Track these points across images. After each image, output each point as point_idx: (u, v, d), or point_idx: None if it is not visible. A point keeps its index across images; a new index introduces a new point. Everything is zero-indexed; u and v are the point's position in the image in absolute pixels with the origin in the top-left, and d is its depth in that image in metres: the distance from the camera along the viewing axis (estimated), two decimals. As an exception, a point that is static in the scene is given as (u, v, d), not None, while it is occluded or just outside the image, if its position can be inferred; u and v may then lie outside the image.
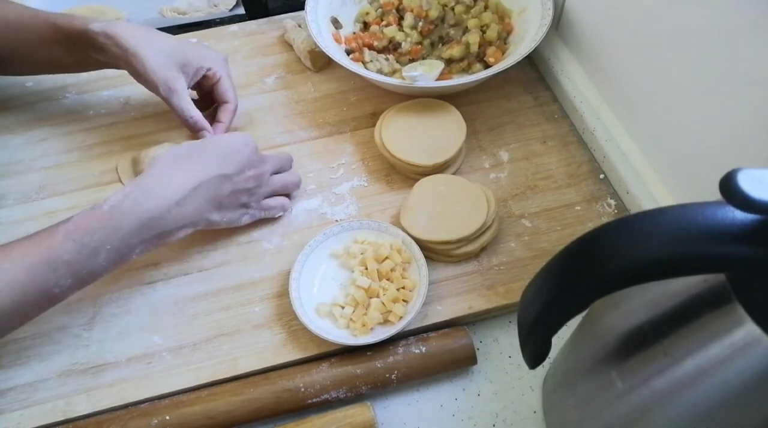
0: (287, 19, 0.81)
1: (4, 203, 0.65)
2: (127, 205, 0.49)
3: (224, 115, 0.66)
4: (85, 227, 0.48)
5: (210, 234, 0.61)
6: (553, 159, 0.66)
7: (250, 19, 0.86)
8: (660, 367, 0.31)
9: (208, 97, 0.69)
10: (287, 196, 0.63)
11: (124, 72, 0.77)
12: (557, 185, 0.63)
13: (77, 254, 0.47)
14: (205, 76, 0.65)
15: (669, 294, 0.31)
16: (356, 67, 0.66)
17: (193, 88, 0.67)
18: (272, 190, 0.60)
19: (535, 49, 0.65)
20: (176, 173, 0.52)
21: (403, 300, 0.54)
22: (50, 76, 0.77)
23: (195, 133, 0.64)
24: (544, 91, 0.72)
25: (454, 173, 0.64)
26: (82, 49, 0.63)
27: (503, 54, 0.70)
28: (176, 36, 0.81)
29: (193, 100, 0.64)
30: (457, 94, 0.69)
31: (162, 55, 0.61)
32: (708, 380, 0.29)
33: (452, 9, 0.73)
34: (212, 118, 0.67)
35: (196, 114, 0.63)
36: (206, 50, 0.66)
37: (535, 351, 0.36)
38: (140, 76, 0.61)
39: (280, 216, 0.62)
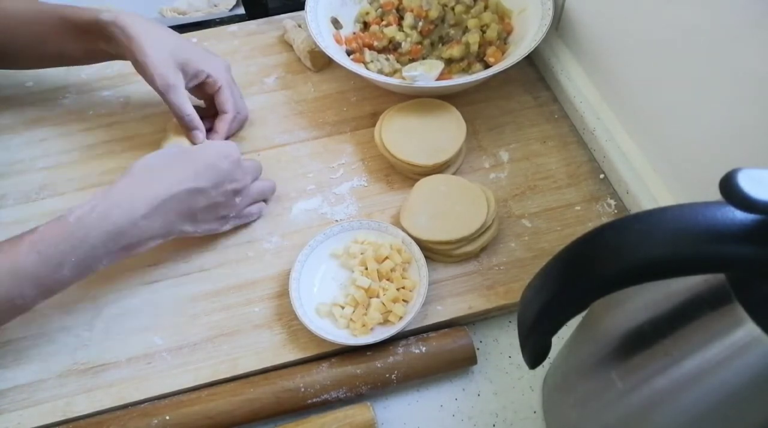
0: (287, 19, 0.81)
1: (4, 203, 0.65)
2: (93, 218, 0.49)
3: (220, 124, 0.65)
4: (49, 238, 0.48)
5: (209, 234, 0.61)
6: (553, 159, 0.66)
7: (249, 19, 0.86)
8: (660, 367, 0.31)
9: (213, 106, 0.68)
10: (264, 200, 0.63)
11: (124, 72, 0.77)
12: (557, 185, 0.63)
13: (41, 265, 0.47)
14: (205, 83, 0.64)
15: (669, 294, 0.31)
16: (356, 67, 0.66)
17: (195, 93, 0.67)
18: (252, 199, 0.60)
19: (535, 49, 0.65)
20: (146, 185, 0.51)
21: (403, 300, 0.54)
22: (50, 76, 0.77)
23: (188, 132, 0.63)
24: (544, 91, 0.72)
25: (454, 173, 0.64)
26: (91, 39, 0.63)
27: (503, 54, 0.70)
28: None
29: (198, 107, 0.64)
30: (457, 94, 0.69)
31: (164, 51, 0.60)
32: (708, 380, 0.29)
33: (452, 9, 0.73)
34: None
35: (192, 112, 0.62)
36: (210, 56, 0.65)
37: (535, 351, 0.36)
38: (140, 66, 0.60)
39: (278, 215, 0.62)
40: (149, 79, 0.61)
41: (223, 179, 0.55)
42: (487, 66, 0.70)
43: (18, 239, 0.48)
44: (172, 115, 0.62)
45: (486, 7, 0.73)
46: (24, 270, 0.47)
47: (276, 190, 0.64)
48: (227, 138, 0.66)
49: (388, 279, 0.55)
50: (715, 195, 0.25)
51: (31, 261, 0.47)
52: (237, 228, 0.61)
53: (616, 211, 0.61)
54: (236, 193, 0.57)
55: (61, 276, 0.48)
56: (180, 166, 0.53)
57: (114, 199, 0.50)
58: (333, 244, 0.58)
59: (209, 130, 0.65)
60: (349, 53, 0.72)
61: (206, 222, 0.56)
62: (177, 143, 0.62)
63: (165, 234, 0.53)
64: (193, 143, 0.63)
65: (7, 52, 0.66)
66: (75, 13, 0.62)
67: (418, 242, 0.56)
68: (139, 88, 0.76)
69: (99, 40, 0.62)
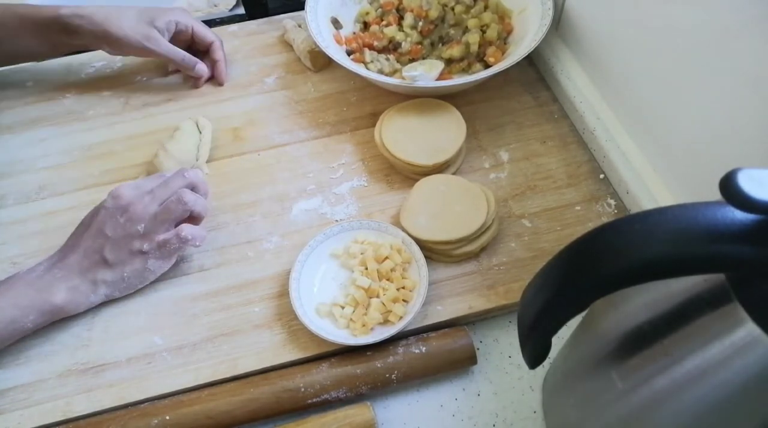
0: (287, 19, 0.81)
1: (4, 203, 0.65)
2: (20, 274, 0.53)
3: (216, 53, 0.73)
4: None
5: (210, 235, 0.61)
6: (553, 159, 0.66)
7: (250, 19, 0.86)
8: (660, 367, 0.31)
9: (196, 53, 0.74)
10: (196, 219, 0.57)
11: (124, 72, 0.77)
12: (557, 185, 0.63)
13: None
14: (179, 32, 0.70)
15: (669, 294, 0.31)
16: (356, 67, 0.66)
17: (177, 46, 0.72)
18: (164, 223, 0.55)
19: (535, 49, 0.65)
20: (65, 249, 0.55)
21: (403, 300, 0.54)
22: (50, 76, 0.77)
23: (191, 70, 0.72)
24: (544, 91, 0.72)
25: (454, 173, 0.64)
26: (53, 35, 0.67)
27: (503, 54, 0.70)
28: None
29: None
30: (457, 94, 0.69)
31: (133, 19, 0.68)
32: (708, 380, 0.29)
33: (452, 9, 0.73)
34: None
35: (185, 53, 0.69)
36: (168, 8, 0.71)
37: (535, 351, 0.36)
38: (120, 40, 0.66)
39: (278, 215, 0.62)
40: (134, 46, 0.67)
41: (111, 214, 0.54)
42: (487, 66, 0.70)
43: None
44: (167, 118, 0.66)
45: (486, 7, 0.73)
46: None
47: (204, 212, 0.58)
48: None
49: (388, 279, 0.55)
50: (715, 195, 0.25)
51: None
52: (236, 229, 0.61)
53: (616, 211, 0.61)
54: (132, 221, 0.53)
55: None
56: (81, 229, 0.56)
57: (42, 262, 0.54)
58: (333, 244, 0.58)
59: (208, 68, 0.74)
60: (349, 53, 0.72)
61: (123, 263, 0.54)
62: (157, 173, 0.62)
63: (91, 287, 0.54)
64: (198, 77, 0.73)
65: None
66: (33, 12, 0.67)
67: (418, 242, 0.56)
68: (139, 88, 0.76)
69: (62, 35, 0.67)
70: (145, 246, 0.54)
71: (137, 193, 0.55)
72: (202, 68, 0.73)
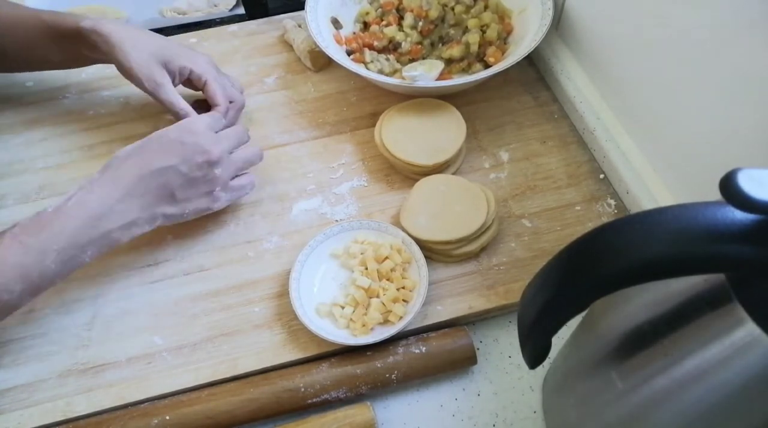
0: (287, 19, 0.81)
1: (4, 203, 0.65)
2: (69, 206, 0.50)
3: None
4: (30, 230, 0.48)
5: (210, 234, 0.61)
6: (553, 159, 0.66)
7: (249, 19, 0.86)
8: (660, 367, 0.31)
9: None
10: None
11: (125, 72, 0.77)
12: (557, 185, 0.63)
13: (24, 256, 0.47)
14: (191, 79, 0.65)
15: (669, 294, 0.31)
16: (356, 67, 0.66)
17: (188, 88, 0.68)
18: (236, 169, 0.58)
19: (535, 49, 0.65)
20: (119, 172, 0.52)
21: (403, 300, 0.54)
22: (50, 76, 0.77)
23: None
24: (544, 91, 0.72)
25: (454, 173, 0.64)
26: (73, 46, 0.64)
27: (503, 54, 0.70)
28: (176, 36, 0.82)
29: (195, 104, 0.65)
30: (457, 94, 0.69)
31: (145, 53, 0.62)
32: (708, 380, 0.29)
33: (452, 9, 0.73)
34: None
35: (185, 106, 0.63)
36: (191, 52, 0.66)
37: (535, 351, 0.36)
38: (126, 72, 0.62)
39: (278, 215, 0.62)
40: (137, 82, 0.63)
41: (190, 153, 0.54)
42: (487, 66, 0.70)
43: None
44: (167, 118, 0.63)
45: (486, 7, 0.73)
46: (7, 263, 0.47)
47: (263, 157, 0.61)
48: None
49: (388, 279, 0.55)
50: (715, 195, 0.25)
51: (13, 253, 0.47)
52: (236, 229, 0.61)
53: (616, 211, 0.61)
54: (211, 164, 0.55)
55: (46, 268, 0.48)
56: (146, 149, 0.54)
57: (90, 187, 0.51)
58: (333, 244, 0.58)
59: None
60: (349, 53, 0.72)
61: (189, 200, 0.55)
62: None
63: (149, 219, 0.53)
64: None
65: None
66: (56, 20, 0.63)
67: (418, 242, 0.56)
68: (139, 88, 0.76)
69: (82, 47, 0.63)
70: (217, 189, 0.56)
71: (212, 133, 0.56)
72: None
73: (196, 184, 0.55)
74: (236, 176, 0.59)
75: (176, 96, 0.63)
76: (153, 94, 0.62)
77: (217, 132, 0.57)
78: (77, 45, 0.63)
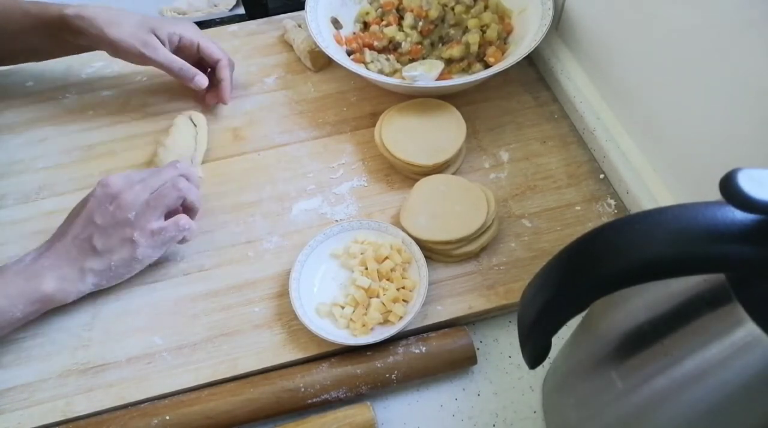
0: (287, 19, 0.81)
1: (4, 203, 0.65)
2: (8, 265, 0.52)
3: (222, 71, 0.69)
4: None
5: (210, 234, 0.61)
6: (553, 159, 0.66)
7: (250, 19, 0.86)
8: (660, 367, 0.31)
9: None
10: (190, 211, 0.58)
11: (125, 72, 0.77)
12: (557, 185, 0.63)
13: None
14: (182, 45, 0.67)
15: (669, 294, 0.31)
16: (356, 67, 0.66)
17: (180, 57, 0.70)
18: (157, 213, 0.54)
19: (535, 49, 0.65)
20: (57, 241, 0.54)
21: (403, 300, 0.54)
22: (50, 76, 0.77)
23: (189, 82, 0.68)
24: (544, 91, 0.72)
25: (454, 173, 0.64)
26: (58, 34, 0.65)
27: (503, 54, 0.70)
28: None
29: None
30: (457, 94, 0.69)
31: (134, 25, 0.65)
32: (708, 380, 0.29)
33: (452, 9, 0.73)
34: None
35: (183, 63, 0.66)
36: (175, 20, 0.70)
37: (535, 351, 0.36)
38: (118, 45, 0.64)
39: (278, 215, 0.62)
40: (131, 53, 0.65)
41: (102, 203, 0.53)
42: (487, 66, 0.70)
43: None
44: (167, 119, 0.64)
45: (486, 7, 0.73)
46: None
47: (197, 204, 0.58)
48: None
49: (388, 279, 0.55)
50: (715, 195, 0.25)
51: None
52: (236, 229, 0.61)
53: (616, 211, 0.61)
54: (122, 208, 0.53)
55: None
56: (72, 214, 0.56)
57: (32, 255, 0.54)
58: (333, 244, 0.58)
59: (213, 86, 0.70)
60: (349, 53, 0.72)
61: (111, 251, 0.53)
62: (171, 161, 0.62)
63: (79, 275, 0.53)
64: (200, 88, 0.69)
65: None
66: (41, 9, 0.65)
67: (418, 242, 0.56)
68: (139, 88, 0.76)
69: (66, 34, 0.65)
70: (136, 235, 0.53)
71: (127, 181, 0.55)
72: (201, 80, 0.69)
73: (111, 232, 0.53)
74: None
75: (172, 56, 0.66)
76: (149, 59, 0.65)
77: (142, 179, 0.55)
78: (62, 32, 0.65)
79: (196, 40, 0.68)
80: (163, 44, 0.66)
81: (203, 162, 0.67)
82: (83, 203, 0.55)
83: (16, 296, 0.51)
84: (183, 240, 0.57)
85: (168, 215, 0.56)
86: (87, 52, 0.68)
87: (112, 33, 0.64)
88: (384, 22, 0.74)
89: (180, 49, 0.68)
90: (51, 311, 0.56)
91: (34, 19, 0.65)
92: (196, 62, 0.70)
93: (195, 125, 0.68)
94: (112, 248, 0.54)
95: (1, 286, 0.51)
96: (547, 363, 0.50)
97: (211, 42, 0.69)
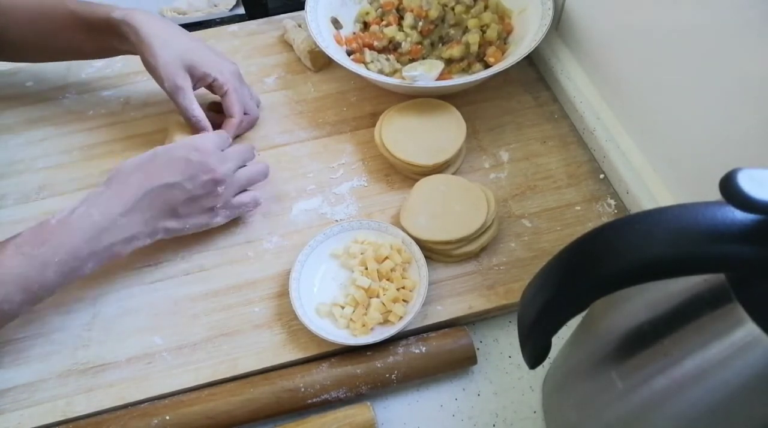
0: (287, 19, 0.81)
1: (4, 203, 0.65)
2: (73, 219, 0.50)
3: (227, 128, 0.65)
4: (33, 241, 0.49)
5: (210, 234, 0.61)
6: (553, 159, 0.66)
7: (250, 19, 0.86)
8: (660, 367, 0.31)
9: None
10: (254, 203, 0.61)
11: (125, 72, 0.77)
12: (557, 185, 0.63)
13: (26, 267, 0.48)
14: (212, 85, 0.65)
15: (669, 294, 0.31)
16: (356, 67, 0.66)
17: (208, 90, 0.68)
18: (239, 186, 0.59)
19: (535, 49, 0.65)
20: (123, 186, 0.53)
21: (403, 300, 0.54)
22: (50, 76, 0.77)
23: (196, 133, 0.64)
24: (544, 91, 0.72)
25: (454, 173, 0.64)
26: (102, 36, 0.64)
27: (503, 54, 0.70)
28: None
29: (210, 106, 0.66)
30: (457, 94, 0.69)
31: (173, 53, 0.62)
32: (708, 380, 0.29)
33: (452, 9, 0.73)
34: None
35: (199, 114, 0.63)
36: (218, 59, 0.66)
37: (535, 351, 0.36)
38: (150, 67, 0.62)
39: (278, 215, 0.62)
40: (158, 80, 0.62)
41: (196, 171, 0.54)
42: (487, 66, 0.70)
43: (1, 244, 0.49)
44: (172, 113, 0.63)
45: (486, 7, 0.73)
46: (9, 273, 0.47)
47: (268, 174, 0.62)
48: (236, 138, 0.68)
49: (388, 279, 0.55)
50: (715, 195, 0.25)
51: (15, 264, 0.47)
52: (236, 229, 0.61)
53: (616, 211, 0.61)
54: (216, 182, 0.55)
55: (46, 279, 0.49)
56: (152, 164, 0.54)
57: (94, 200, 0.51)
58: (333, 244, 0.58)
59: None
60: (349, 53, 0.72)
61: (191, 216, 0.56)
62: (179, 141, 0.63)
63: (150, 233, 0.54)
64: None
65: (16, 45, 0.67)
66: (85, 9, 0.63)
67: (418, 242, 0.56)
68: (139, 88, 0.76)
69: (111, 38, 0.63)
70: (219, 206, 0.56)
71: (219, 154, 0.57)
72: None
73: (198, 200, 0.55)
74: (241, 192, 0.60)
75: (193, 103, 0.63)
76: (171, 96, 0.63)
77: (223, 150, 0.58)
78: (106, 35, 0.63)
79: (225, 88, 0.65)
80: (195, 80, 0.64)
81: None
82: (168, 158, 0.54)
83: (86, 258, 0.50)
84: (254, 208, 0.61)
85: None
86: (129, 54, 0.66)
87: (150, 54, 0.61)
88: (384, 22, 0.74)
89: (210, 86, 0.66)
90: (51, 311, 0.56)
91: (79, 19, 0.63)
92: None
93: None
94: (192, 214, 0.55)
95: (71, 248, 0.49)
96: (547, 363, 0.50)
97: (236, 96, 0.65)
